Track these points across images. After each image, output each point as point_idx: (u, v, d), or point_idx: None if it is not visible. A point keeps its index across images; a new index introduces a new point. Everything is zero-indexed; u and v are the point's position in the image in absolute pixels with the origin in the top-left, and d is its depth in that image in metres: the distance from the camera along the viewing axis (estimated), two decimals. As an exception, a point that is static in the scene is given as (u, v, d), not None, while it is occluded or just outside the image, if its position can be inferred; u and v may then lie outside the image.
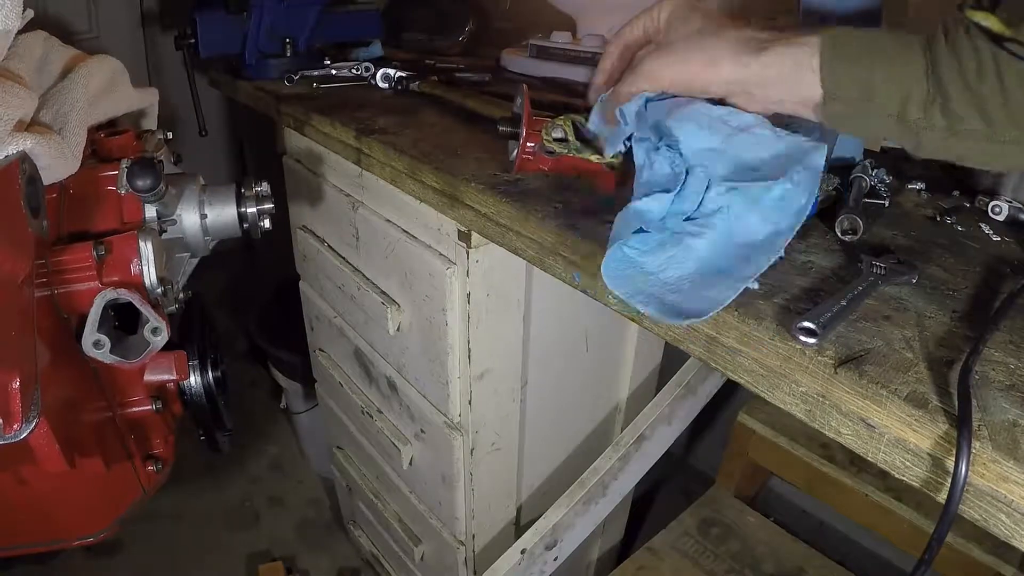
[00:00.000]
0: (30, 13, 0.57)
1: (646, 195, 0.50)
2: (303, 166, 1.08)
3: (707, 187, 0.49)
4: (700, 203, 0.50)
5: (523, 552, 0.95)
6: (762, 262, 0.47)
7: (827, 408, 0.43)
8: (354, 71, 1.06)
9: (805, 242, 0.58)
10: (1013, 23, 0.39)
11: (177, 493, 1.67)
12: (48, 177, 0.54)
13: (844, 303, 0.46)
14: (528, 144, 0.65)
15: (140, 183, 0.57)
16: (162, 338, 0.56)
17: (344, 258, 1.04)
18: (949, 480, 0.36)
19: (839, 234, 0.58)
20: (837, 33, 0.46)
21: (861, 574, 1.19)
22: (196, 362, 0.66)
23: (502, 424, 0.98)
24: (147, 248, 0.56)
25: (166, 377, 0.63)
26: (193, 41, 1.07)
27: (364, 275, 1.00)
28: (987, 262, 0.57)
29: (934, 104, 0.43)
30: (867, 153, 0.79)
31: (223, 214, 0.67)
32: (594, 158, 0.63)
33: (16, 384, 0.43)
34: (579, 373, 1.07)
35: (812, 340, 0.42)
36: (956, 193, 0.71)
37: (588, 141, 0.67)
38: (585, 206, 0.63)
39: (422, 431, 1.00)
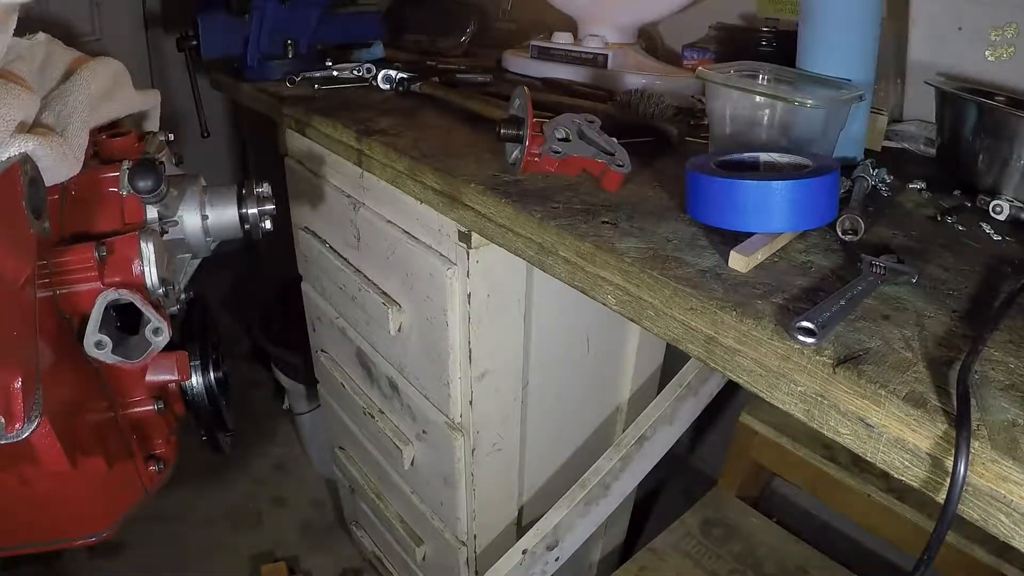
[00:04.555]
0: None
1: None
2: (304, 167, 1.08)
3: None
4: None
5: (524, 552, 0.95)
6: None
7: (826, 408, 0.43)
8: (355, 72, 1.07)
9: (805, 242, 0.58)
10: None
11: (180, 494, 1.67)
12: (50, 178, 0.54)
13: (843, 303, 0.46)
14: (534, 147, 0.66)
15: (141, 184, 0.57)
16: (163, 338, 0.56)
17: (345, 259, 1.04)
18: (948, 480, 0.36)
19: (839, 234, 0.58)
20: None
21: (863, 575, 1.19)
22: (198, 362, 0.66)
23: (503, 424, 0.98)
24: (148, 249, 0.56)
25: (168, 377, 0.63)
26: (195, 43, 1.07)
27: (365, 276, 1.00)
28: (988, 262, 0.57)
29: None
30: (868, 152, 0.79)
31: (224, 215, 0.68)
32: (600, 158, 0.63)
33: (18, 384, 0.43)
34: (580, 373, 1.07)
35: (811, 340, 0.42)
36: (957, 192, 0.70)
37: (592, 141, 0.67)
38: (585, 206, 0.63)
39: (423, 431, 1.01)
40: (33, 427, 0.43)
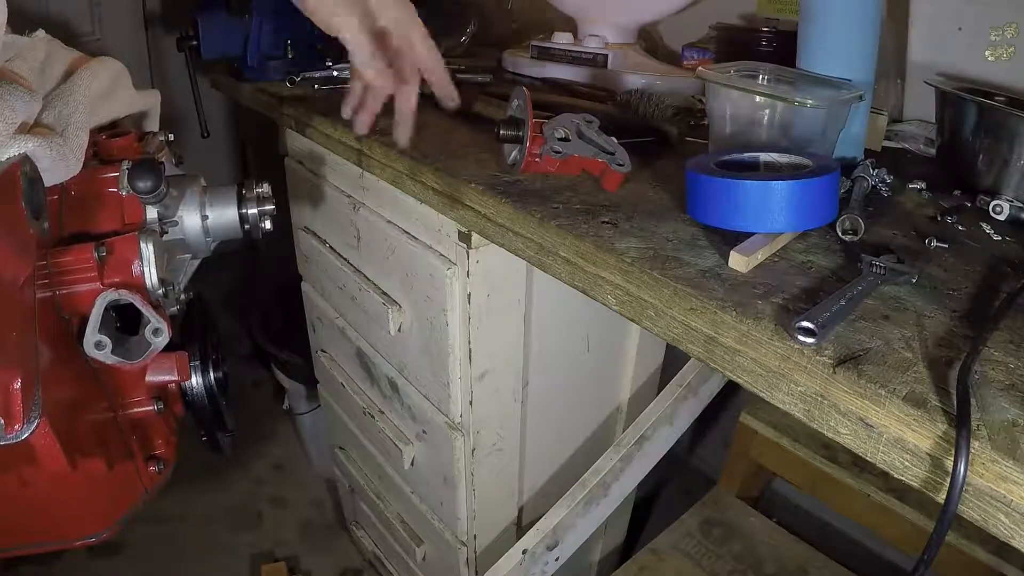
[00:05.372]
0: None
1: None
2: (304, 167, 1.08)
3: None
4: None
5: (525, 552, 0.95)
6: None
7: (826, 408, 0.43)
8: (355, 72, 1.06)
9: (805, 242, 0.58)
10: None
11: (180, 494, 1.67)
12: (49, 179, 0.54)
13: (843, 303, 0.46)
14: (534, 147, 0.66)
15: (141, 184, 0.57)
16: (163, 339, 0.56)
17: (345, 259, 1.04)
18: (948, 480, 0.36)
19: (839, 234, 0.58)
20: None
21: (863, 575, 1.19)
22: (198, 363, 0.66)
23: (503, 424, 0.98)
24: (148, 249, 0.56)
25: (168, 378, 0.63)
26: (195, 43, 1.07)
27: (365, 276, 1.00)
28: (988, 261, 0.57)
29: None
30: (868, 153, 0.79)
31: (224, 215, 0.67)
32: (600, 158, 0.63)
33: (17, 384, 0.43)
34: (580, 373, 1.07)
35: (811, 340, 0.42)
36: (957, 192, 0.70)
37: (591, 140, 0.67)
38: (585, 206, 0.63)
39: (423, 431, 1.00)
40: (32, 428, 0.43)
